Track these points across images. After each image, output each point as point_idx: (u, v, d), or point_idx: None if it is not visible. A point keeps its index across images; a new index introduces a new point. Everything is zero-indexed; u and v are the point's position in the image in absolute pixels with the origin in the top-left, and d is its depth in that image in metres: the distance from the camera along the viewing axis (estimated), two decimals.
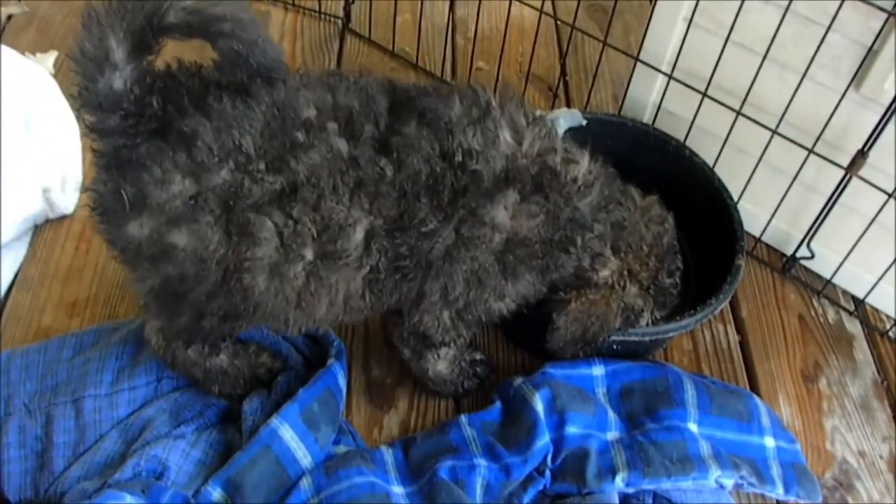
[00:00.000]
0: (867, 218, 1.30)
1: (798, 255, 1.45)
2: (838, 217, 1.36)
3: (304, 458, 1.11)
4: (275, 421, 1.09)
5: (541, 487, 1.14)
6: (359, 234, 0.95)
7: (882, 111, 1.20)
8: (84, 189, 1.45)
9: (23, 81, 1.44)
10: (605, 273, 1.11)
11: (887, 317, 1.44)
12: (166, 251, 0.92)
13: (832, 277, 1.44)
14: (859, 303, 1.46)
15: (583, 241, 1.07)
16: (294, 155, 0.90)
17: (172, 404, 1.17)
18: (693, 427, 1.18)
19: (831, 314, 1.45)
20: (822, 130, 1.27)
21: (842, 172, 1.29)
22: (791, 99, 1.27)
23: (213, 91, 0.90)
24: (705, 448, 1.14)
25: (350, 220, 0.93)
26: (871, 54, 1.19)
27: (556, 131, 1.08)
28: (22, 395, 1.17)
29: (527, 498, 1.13)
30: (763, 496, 1.19)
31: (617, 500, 1.12)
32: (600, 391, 1.23)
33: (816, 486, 1.18)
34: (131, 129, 0.88)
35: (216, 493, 1.07)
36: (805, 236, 1.42)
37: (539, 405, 1.16)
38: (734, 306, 1.44)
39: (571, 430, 1.15)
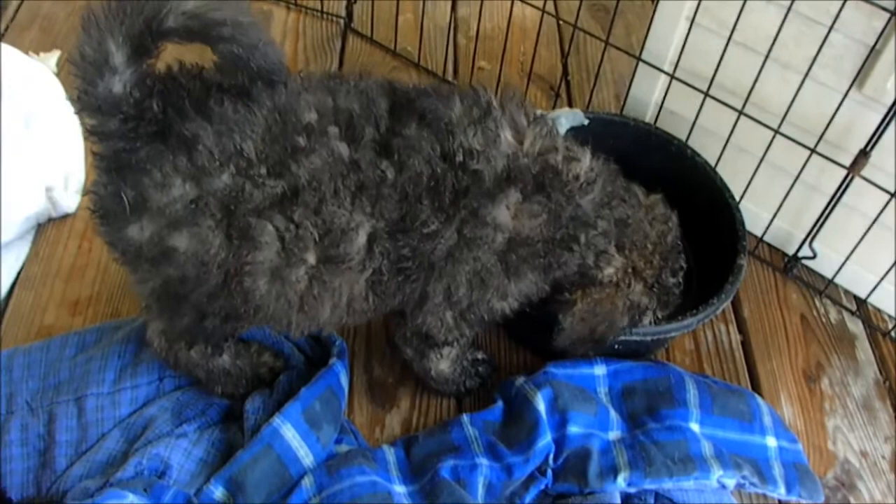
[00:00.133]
0: (869, 218, 1.30)
1: (800, 254, 1.45)
2: (840, 217, 1.36)
3: (306, 457, 1.11)
4: (277, 420, 1.10)
5: (542, 487, 1.14)
6: (361, 238, 0.95)
7: (884, 111, 1.20)
8: (85, 191, 1.45)
9: (25, 80, 1.45)
10: (609, 271, 1.11)
11: (889, 317, 1.44)
12: (167, 254, 0.92)
13: (834, 277, 1.44)
14: (861, 303, 1.46)
15: (586, 239, 1.07)
16: (295, 159, 0.90)
17: (174, 403, 1.17)
18: (695, 427, 1.18)
19: (833, 314, 1.45)
20: (825, 130, 1.27)
21: (844, 172, 1.28)
22: (793, 99, 1.27)
23: (214, 94, 0.90)
24: (707, 448, 1.14)
25: (352, 223, 0.93)
26: (873, 54, 1.19)
27: (556, 130, 1.08)
28: (24, 393, 1.17)
29: (528, 497, 1.13)
30: (765, 496, 1.19)
31: (619, 500, 1.12)
32: (602, 391, 1.23)
33: (818, 486, 1.18)
34: (131, 132, 0.87)
35: (218, 491, 1.07)
36: (807, 236, 1.42)
37: (541, 405, 1.16)
38: (736, 306, 1.44)
39: (573, 429, 1.15)
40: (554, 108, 1.69)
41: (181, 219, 0.89)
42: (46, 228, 1.44)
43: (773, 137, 1.32)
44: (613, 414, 1.20)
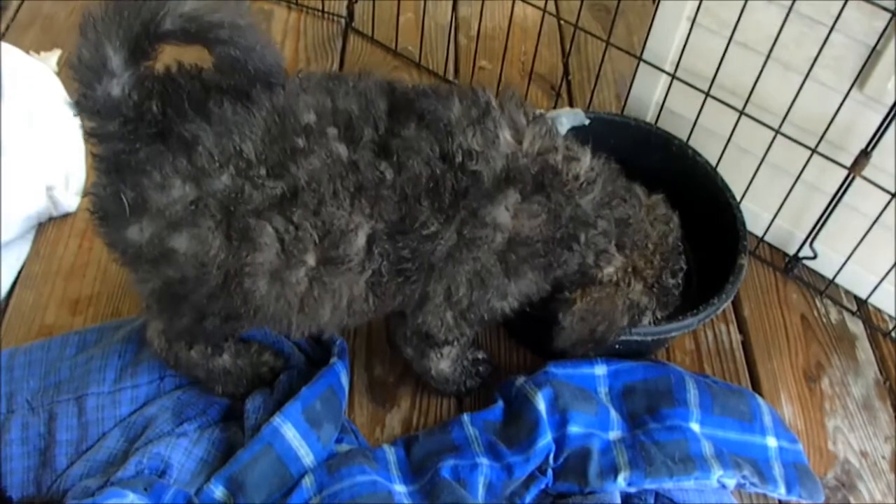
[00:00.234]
0: (870, 218, 1.30)
1: (801, 254, 1.45)
2: (841, 217, 1.36)
3: (307, 456, 1.11)
4: (277, 419, 1.10)
5: (543, 486, 1.14)
6: (361, 239, 0.95)
7: (885, 111, 1.20)
8: (85, 193, 1.45)
9: (26, 79, 1.45)
10: (609, 270, 1.11)
11: (889, 317, 1.44)
12: (167, 255, 0.92)
13: (835, 277, 1.43)
14: (862, 303, 1.45)
15: (586, 238, 1.07)
16: (294, 160, 0.90)
17: (175, 402, 1.17)
18: (695, 427, 1.18)
19: (834, 314, 1.45)
20: (825, 130, 1.27)
21: (845, 172, 1.28)
22: (794, 99, 1.27)
23: (213, 95, 0.90)
24: (707, 448, 1.14)
25: (351, 224, 0.93)
26: (874, 54, 1.19)
27: (556, 130, 1.08)
28: (25, 392, 1.17)
29: (529, 497, 1.13)
30: (765, 496, 1.19)
31: (619, 500, 1.12)
32: (602, 390, 1.23)
33: (818, 486, 1.18)
34: (131, 134, 0.88)
35: (218, 491, 1.07)
36: (808, 236, 1.42)
37: (541, 404, 1.16)
38: (736, 306, 1.44)
39: (573, 429, 1.15)
40: (555, 107, 1.69)
41: (181, 220, 0.89)
42: (47, 227, 1.44)
43: (774, 137, 1.32)
44: (614, 414, 1.20)
